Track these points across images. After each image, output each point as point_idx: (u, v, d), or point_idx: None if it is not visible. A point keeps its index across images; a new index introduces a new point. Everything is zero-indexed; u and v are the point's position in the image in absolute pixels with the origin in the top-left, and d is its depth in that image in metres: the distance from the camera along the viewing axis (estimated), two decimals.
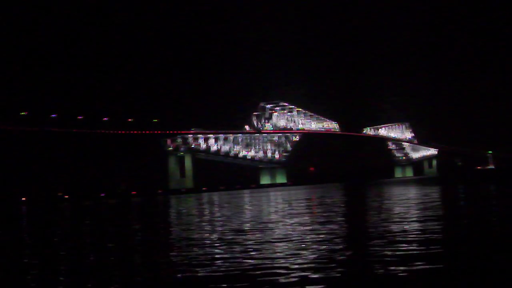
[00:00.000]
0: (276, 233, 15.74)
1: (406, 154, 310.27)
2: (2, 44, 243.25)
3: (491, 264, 8.77)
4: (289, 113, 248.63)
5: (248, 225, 19.55)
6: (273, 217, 23.44)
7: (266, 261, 10.38)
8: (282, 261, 10.32)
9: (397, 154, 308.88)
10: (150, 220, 29.81)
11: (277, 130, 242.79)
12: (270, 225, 18.63)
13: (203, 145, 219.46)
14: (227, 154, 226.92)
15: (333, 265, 9.55)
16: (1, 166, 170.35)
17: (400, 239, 12.44)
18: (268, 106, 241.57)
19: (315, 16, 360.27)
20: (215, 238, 15.66)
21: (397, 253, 10.41)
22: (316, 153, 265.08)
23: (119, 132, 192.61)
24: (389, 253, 10.46)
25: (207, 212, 33.34)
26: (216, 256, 11.68)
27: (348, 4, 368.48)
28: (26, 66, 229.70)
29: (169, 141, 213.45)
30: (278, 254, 11.31)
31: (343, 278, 8.48)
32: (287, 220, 20.35)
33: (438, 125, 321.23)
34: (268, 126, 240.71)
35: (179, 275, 9.59)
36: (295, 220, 20.39)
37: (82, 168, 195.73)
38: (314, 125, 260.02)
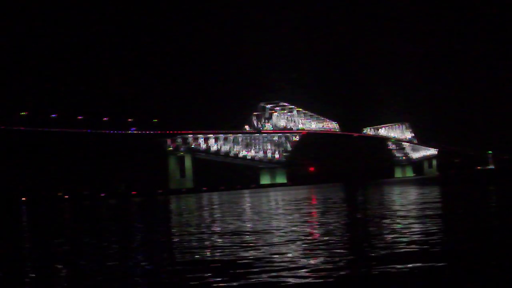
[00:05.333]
0: (275, 232, 15.74)
1: (406, 154, 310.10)
2: (2, 44, 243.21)
3: (491, 263, 8.78)
4: (289, 113, 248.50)
5: (248, 222, 19.56)
6: (273, 215, 23.45)
7: (263, 258, 10.38)
8: (280, 259, 10.33)
9: (397, 154, 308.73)
10: (150, 220, 29.80)
11: (277, 130, 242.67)
12: (270, 224, 18.63)
13: (203, 145, 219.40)
14: (227, 154, 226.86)
15: (332, 265, 9.55)
16: (1, 166, 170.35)
17: (399, 237, 12.45)
18: (268, 106, 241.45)
19: (315, 17, 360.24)
20: (212, 237, 15.66)
21: (396, 251, 10.41)
22: (316, 153, 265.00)
23: (119, 132, 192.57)
24: (387, 251, 10.46)
25: (206, 212, 33.34)
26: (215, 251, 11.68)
27: (348, 4, 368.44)
28: (26, 66, 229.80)
29: (169, 141, 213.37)
30: (276, 252, 11.31)
31: (341, 277, 8.48)
32: (287, 218, 20.37)
33: (438, 125, 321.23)
34: (268, 126, 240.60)
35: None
36: (295, 218, 20.39)
37: (82, 168, 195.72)
38: (314, 125, 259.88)
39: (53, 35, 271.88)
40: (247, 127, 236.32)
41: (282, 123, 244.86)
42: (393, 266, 8.97)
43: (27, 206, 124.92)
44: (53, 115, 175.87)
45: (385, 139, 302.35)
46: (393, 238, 12.59)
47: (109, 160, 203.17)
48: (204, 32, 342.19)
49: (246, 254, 11.43)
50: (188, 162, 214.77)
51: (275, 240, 13.74)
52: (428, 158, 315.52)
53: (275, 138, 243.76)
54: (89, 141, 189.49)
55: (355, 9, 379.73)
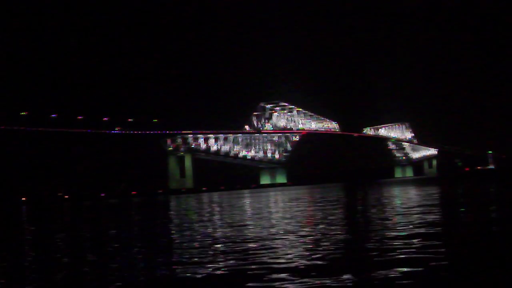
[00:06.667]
0: (273, 231, 15.71)
1: (406, 154, 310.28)
2: (2, 44, 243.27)
3: (491, 263, 8.74)
4: (289, 113, 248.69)
5: (246, 221, 19.54)
6: (273, 215, 23.43)
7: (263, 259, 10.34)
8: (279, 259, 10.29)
9: (397, 154, 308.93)
10: (150, 220, 29.79)
11: (277, 130, 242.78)
12: (269, 223, 18.61)
13: (203, 145, 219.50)
14: (227, 154, 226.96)
15: (330, 262, 9.51)
16: (1, 166, 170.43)
17: (398, 235, 12.41)
18: (268, 106, 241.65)
19: (315, 17, 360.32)
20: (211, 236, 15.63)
21: (393, 251, 10.37)
22: (316, 153, 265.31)
23: (119, 132, 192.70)
24: (384, 251, 10.42)
25: (206, 212, 33.33)
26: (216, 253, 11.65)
27: (348, 4, 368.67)
28: (26, 66, 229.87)
29: (169, 141, 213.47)
30: (274, 251, 11.28)
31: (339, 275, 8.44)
32: (285, 218, 20.34)
33: (438, 125, 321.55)
34: (268, 126, 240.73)
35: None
36: (294, 218, 20.37)
37: (82, 168, 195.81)
38: (314, 125, 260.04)
39: (53, 35, 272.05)
40: (247, 127, 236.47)
41: (282, 123, 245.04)
42: (391, 265, 8.93)
43: (27, 206, 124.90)
44: (53, 115, 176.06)
45: (385, 139, 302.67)
46: (391, 237, 12.56)
47: (109, 160, 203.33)
48: (204, 33, 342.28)
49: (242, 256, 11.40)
50: (188, 162, 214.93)
51: (273, 239, 13.72)
52: (428, 158, 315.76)
53: (275, 138, 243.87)
54: (89, 141, 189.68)
55: (356, 10, 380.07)
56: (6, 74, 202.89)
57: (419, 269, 8.58)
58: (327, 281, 8.13)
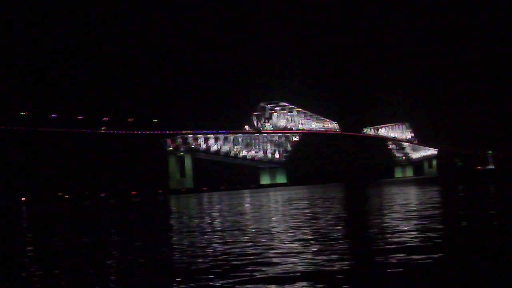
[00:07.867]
0: (274, 231, 15.73)
1: (406, 154, 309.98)
2: (2, 44, 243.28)
3: (491, 264, 8.78)
4: (289, 113, 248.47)
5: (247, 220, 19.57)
6: (273, 215, 23.44)
7: (261, 257, 10.37)
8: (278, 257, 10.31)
9: (397, 154, 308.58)
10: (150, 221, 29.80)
11: (277, 130, 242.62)
12: (269, 223, 18.63)
13: (203, 145, 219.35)
14: (227, 154, 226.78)
15: (330, 262, 9.54)
16: (1, 166, 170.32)
17: (398, 238, 12.43)
18: (268, 106, 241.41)
19: (315, 16, 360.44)
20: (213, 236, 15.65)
21: (392, 249, 10.40)
22: (316, 153, 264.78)
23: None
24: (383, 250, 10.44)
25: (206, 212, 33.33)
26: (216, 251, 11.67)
27: (348, 4, 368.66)
28: (26, 66, 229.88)
29: (169, 141, 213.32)
30: (274, 251, 11.30)
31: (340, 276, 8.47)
32: (286, 219, 20.35)
33: (438, 125, 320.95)
34: (268, 126, 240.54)
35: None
36: (294, 218, 20.39)
37: (82, 168, 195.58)
38: (314, 125, 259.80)
39: (53, 35, 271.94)
40: (247, 127, 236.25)
41: (282, 123, 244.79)
42: (389, 264, 8.96)
43: (27, 206, 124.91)
44: (53, 115, 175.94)
45: (385, 139, 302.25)
46: (390, 236, 12.59)
47: (109, 160, 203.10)
48: (204, 32, 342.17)
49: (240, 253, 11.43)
50: (188, 162, 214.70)
51: (271, 238, 13.74)
52: (428, 158, 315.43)
53: (275, 138, 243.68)
54: (89, 141, 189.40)
55: (355, 10, 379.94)
56: (6, 74, 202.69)
57: (419, 269, 8.62)
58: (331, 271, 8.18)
